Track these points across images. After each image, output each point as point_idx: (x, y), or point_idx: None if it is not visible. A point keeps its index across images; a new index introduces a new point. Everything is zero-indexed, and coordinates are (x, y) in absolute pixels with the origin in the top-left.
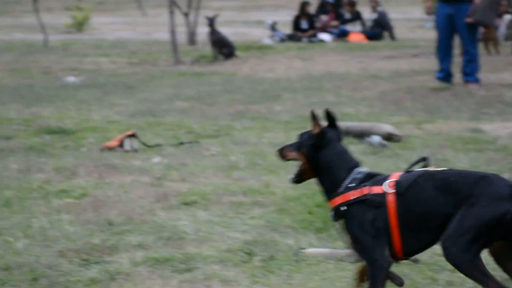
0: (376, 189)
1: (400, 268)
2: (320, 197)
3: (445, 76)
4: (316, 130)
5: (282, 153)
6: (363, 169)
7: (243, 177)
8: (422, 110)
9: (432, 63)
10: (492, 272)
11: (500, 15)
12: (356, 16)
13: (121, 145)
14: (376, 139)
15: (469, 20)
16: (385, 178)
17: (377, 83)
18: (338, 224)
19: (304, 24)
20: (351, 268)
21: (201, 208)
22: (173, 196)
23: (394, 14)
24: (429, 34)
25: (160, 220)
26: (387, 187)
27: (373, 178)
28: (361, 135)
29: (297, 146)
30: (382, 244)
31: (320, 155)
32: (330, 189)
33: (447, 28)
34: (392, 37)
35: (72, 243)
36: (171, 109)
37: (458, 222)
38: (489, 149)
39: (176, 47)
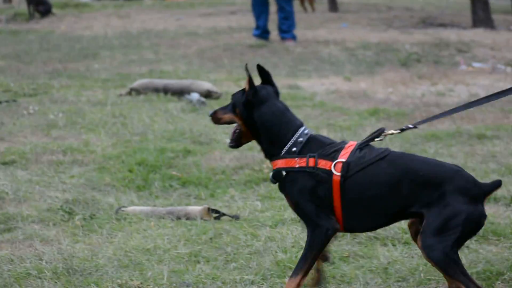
0: (323, 164)
1: (221, 225)
2: (140, 155)
3: (262, 33)
4: (249, 87)
5: (216, 117)
6: (306, 130)
7: (62, 136)
8: (240, 67)
9: (249, 20)
10: None
11: None
12: None
13: None
14: (195, 96)
15: None
16: (335, 152)
17: (195, 41)
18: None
19: None
20: (171, 226)
21: (20, 167)
22: None
23: None
24: None
25: None
26: (334, 168)
27: (318, 144)
28: (180, 93)
29: (231, 108)
30: (327, 212)
31: (256, 114)
32: (271, 150)
33: None
34: None
35: None
36: None
37: (441, 220)
38: (307, 106)
39: None
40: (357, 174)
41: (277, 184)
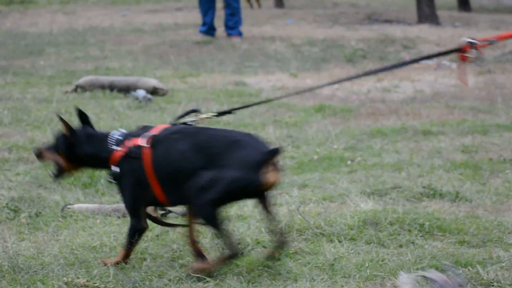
0: (135, 141)
1: (167, 221)
2: None
3: (208, 29)
4: (67, 132)
5: (40, 155)
6: (118, 132)
7: (8, 133)
8: (186, 63)
9: (196, 16)
10: None
11: None
12: None
13: None
14: (141, 93)
15: None
16: (147, 131)
17: (141, 37)
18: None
19: None
20: (118, 223)
21: None
22: None
23: None
24: None
25: None
26: (144, 140)
27: (132, 133)
28: (126, 90)
29: (55, 148)
30: (139, 208)
31: (78, 151)
32: (103, 166)
33: None
34: None
35: None
36: None
37: (208, 180)
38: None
39: None
40: (161, 145)
41: None
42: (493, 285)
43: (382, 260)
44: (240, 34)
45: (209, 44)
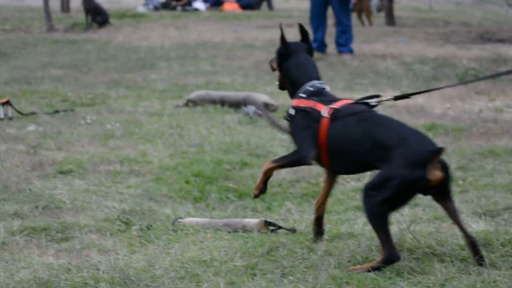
0: (319, 107)
1: (277, 238)
2: (197, 167)
3: (319, 46)
4: (281, 42)
5: (271, 65)
6: (318, 83)
7: (119, 146)
8: None
9: None
10: None
11: None
12: None
13: None
14: (251, 108)
15: None
16: (332, 100)
17: (252, 53)
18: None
19: None
20: (228, 238)
21: (78, 177)
22: (49, 165)
23: None
24: (303, 4)
25: (36, 189)
26: (326, 110)
27: (323, 94)
28: (237, 105)
29: (275, 57)
30: (310, 145)
31: (284, 64)
32: (291, 93)
33: None
34: (270, 6)
35: None
36: (46, 76)
37: (380, 176)
38: None
39: (49, 14)
40: (341, 121)
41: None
42: None
43: (494, 282)
44: (351, 51)
45: (320, 60)
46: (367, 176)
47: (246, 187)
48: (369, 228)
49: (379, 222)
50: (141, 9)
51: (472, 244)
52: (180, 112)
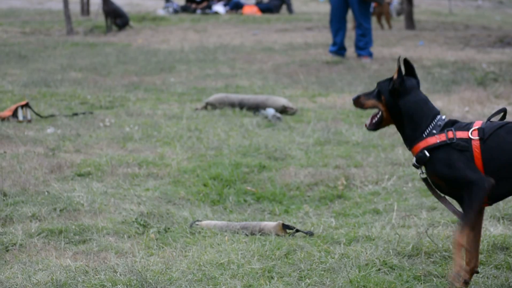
0: (461, 134)
1: (295, 241)
2: (215, 170)
3: (338, 49)
4: (397, 76)
5: (359, 102)
6: (443, 116)
7: (138, 149)
8: (316, 83)
9: (326, 36)
10: None
11: None
12: None
13: (14, 115)
14: (270, 111)
15: None
16: (468, 125)
17: (271, 56)
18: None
19: None
20: (246, 241)
21: (96, 179)
22: (67, 167)
23: None
24: (323, 8)
25: (55, 191)
26: (471, 134)
27: (454, 123)
28: (256, 108)
29: (376, 94)
30: (477, 169)
31: (401, 102)
32: (412, 136)
33: (340, 2)
34: (290, 10)
35: None
36: (65, 79)
37: None
38: None
39: (69, 17)
40: (491, 137)
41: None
42: None
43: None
44: (370, 54)
45: (339, 64)
46: (385, 180)
47: (264, 190)
48: (386, 231)
49: None
50: (161, 12)
51: None
52: (198, 115)
